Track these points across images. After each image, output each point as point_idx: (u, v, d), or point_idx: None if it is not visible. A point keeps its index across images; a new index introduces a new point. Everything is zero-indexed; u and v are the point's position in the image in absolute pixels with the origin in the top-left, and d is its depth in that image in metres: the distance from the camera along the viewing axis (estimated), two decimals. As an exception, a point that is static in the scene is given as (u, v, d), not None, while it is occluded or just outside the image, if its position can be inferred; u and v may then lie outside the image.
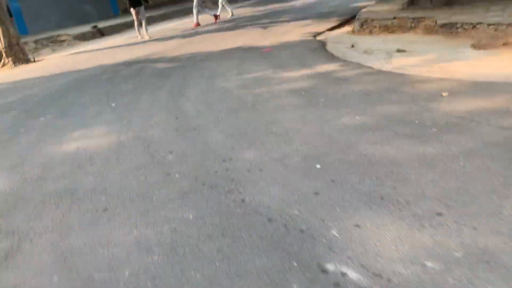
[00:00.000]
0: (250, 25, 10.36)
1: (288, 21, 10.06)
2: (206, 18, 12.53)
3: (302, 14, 11.00)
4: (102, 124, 4.29)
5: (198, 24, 11.78)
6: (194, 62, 6.77)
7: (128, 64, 7.56)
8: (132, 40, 10.87)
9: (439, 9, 6.85)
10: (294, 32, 8.38)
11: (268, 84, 4.79)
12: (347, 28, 7.80)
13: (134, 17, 10.82)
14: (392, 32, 6.53)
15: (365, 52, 5.65)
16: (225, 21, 11.99)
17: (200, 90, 5.01)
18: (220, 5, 12.83)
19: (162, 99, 4.87)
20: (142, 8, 10.76)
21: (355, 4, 11.22)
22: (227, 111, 4.09)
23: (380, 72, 4.67)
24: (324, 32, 7.92)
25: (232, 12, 12.84)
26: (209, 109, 4.24)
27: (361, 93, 4.02)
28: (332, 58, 5.62)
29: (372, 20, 7.06)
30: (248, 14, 12.93)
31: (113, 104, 4.98)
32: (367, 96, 3.90)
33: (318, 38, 7.37)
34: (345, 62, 5.31)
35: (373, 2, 11.04)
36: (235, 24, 11.05)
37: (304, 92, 4.30)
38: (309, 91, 4.29)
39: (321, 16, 10.05)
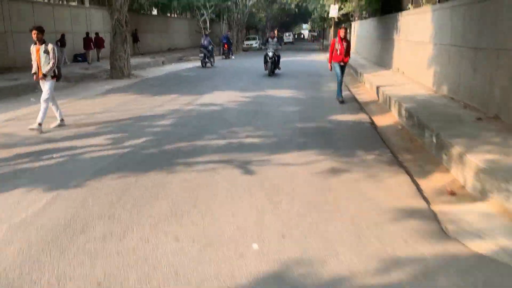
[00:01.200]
0: (182, 166, 4.67)
1: (269, 152, 5.20)
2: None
3: (268, 131, 6.34)
4: None
5: None
6: None
7: None
8: None
9: None
10: (362, 212, 3.49)
11: None
12: (487, 206, 3.47)
13: None
14: None
15: None
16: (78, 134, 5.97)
17: None
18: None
19: None
20: None
21: (332, 117, 7.26)
22: None
23: None
24: (436, 215, 3.40)
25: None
26: None
27: None
28: None
29: None
30: (123, 117, 6.97)
31: None
32: None
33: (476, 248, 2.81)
34: None
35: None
36: (123, 159, 5.35)
37: None
38: None
39: (321, 144, 5.59)
